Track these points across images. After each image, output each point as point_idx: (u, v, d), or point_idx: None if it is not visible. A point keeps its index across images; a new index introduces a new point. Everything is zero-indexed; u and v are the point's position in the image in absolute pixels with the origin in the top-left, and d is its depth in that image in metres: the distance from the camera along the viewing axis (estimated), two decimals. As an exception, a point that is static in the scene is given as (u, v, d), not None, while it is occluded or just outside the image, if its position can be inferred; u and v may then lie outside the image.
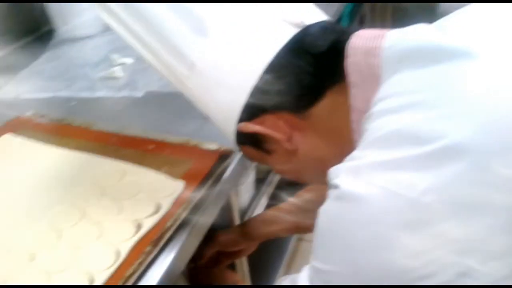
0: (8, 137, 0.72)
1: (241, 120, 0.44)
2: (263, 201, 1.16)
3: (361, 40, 0.40)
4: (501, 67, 0.31)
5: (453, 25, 0.38)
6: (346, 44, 0.40)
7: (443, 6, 1.54)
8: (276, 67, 0.41)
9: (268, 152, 0.47)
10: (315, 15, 0.45)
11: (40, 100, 0.86)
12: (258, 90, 0.42)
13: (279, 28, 0.42)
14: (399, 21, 2.15)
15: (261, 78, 0.41)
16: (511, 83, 0.30)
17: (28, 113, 0.78)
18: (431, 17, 0.42)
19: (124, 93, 0.85)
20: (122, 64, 0.92)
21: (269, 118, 0.43)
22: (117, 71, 0.90)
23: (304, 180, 0.54)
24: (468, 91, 0.31)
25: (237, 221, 0.78)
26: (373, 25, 1.67)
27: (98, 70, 0.93)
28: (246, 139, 0.46)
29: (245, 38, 0.42)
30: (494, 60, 0.32)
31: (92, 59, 0.97)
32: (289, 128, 0.43)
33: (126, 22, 0.46)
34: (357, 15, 1.67)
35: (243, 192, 1.10)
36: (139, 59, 0.72)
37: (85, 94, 0.86)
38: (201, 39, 0.43)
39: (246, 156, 0.51)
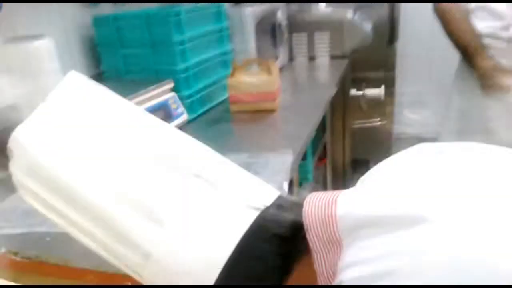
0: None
1: None
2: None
3: (315, 209, 0.39)
4: (456, 232, 0.30)
5: (403, 188, 0.36)
6: (303, 214, 0.39)
7: None
8: (241, 252, 0.40)
9: None
10: (267, 191, 0.44)
11: (14, 236, 0.80)
12: (223, 277, 0.40)
13: (238, 213, 0.41)
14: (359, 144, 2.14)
15: (226, 264, 0.39)
16: (468, 249, 0.29)
17: (0, 251, 0.74)
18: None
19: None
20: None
21: None
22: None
23: None
24: (426, 260, 0.30)
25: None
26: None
27: None
28: None
29: (204, 226, 0.40)
30: (448, 225, 0.31)
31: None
32: None
33: (66, 213, 0.43)
34: (321, 141, 1.78)
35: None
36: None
37: (60, 229, 0.81)
38: (157, 229, 0.40)
39: None
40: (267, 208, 0.41)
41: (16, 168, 0.43)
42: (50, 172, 0.42)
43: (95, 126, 0.44)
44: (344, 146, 2.09)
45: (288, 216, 0.41)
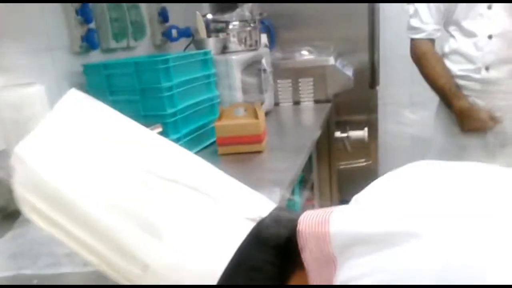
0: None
1: None
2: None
3: (308, 227, 0.39)
4: (447, 247, 0.31)
5: (395, 205, 0.37)
6: (297, 233, 0.40)
7: None
8: (238, 263, 0.40)
9: None
10: (264, 204, 0.45)
11: (2, 279, 0.81)
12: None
13: (234, 224, 0.42)
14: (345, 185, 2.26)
15: (223, 275, 0.40)
16: (457, 262, 0.30)
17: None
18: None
19: (91, 267, 0.81)
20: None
21: None
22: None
23: None
24: (418, 276, 0.31)
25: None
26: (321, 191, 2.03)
27: (64, 246, 0.90)
28: None
29: (201, 238, 0.41)
30: (439, 240, 0.31)
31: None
32: None
33: (66, 227, 0.44)
34: (308, 182, 1.84)
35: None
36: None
37: (49, 271, 0.81)
38: (155, 242, 0.41)
39: None
40: (263, 219, 0.42)
41: (18, 184, 0.44)
42: (51, 186, 0.42)
43: (95, 141, 0.44)
44: (331, 187, 2.11)
45: (284, 227, 0.41)
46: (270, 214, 0.43)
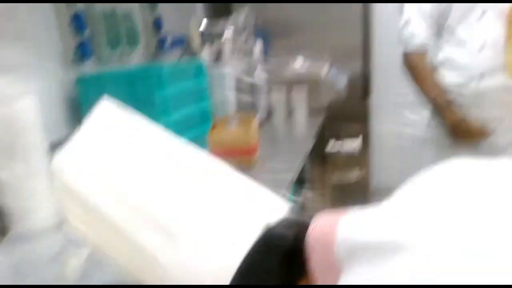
0: None
1: None
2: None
3: (317, 234, 0.40)
4: (433, 261, 0.30)
5: (402, 211, 0.36)
6: (306, 239, 0.40)
7: None
8: (247, 267, 0.42)
9: None
10: (277, 206, 0.46)
11: None
12: None
13: (245, 229, 0.43)
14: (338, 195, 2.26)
15: (233, 279, 0.42)
16: (450, 275, 0.29)
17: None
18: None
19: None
20: (77, 256, 0.86)
21: None
22: (71, 266, 0.84)
23: None
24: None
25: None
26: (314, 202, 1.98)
27: (51, 266, 0.87)
28: None
29: (213, 241, 0.44)
30: (427, 253, 0.31)
31: (46, 254, 0.92)
32: None
33: (94, 228, 0.48)
34: (301, 194, 1.83)
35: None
36: (94, 250, 0.68)
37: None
38: (172, 244, 0.44)
39: None
40: (274, 224, 0.43)
41: (55, 187, 0.50)
42: (82, 193, 0.48)
43: (122, 149, 0.49)
44: (324, 197, 2.12)
45: (294, 233, 0.42)
46: (281, 219, 0.43)
